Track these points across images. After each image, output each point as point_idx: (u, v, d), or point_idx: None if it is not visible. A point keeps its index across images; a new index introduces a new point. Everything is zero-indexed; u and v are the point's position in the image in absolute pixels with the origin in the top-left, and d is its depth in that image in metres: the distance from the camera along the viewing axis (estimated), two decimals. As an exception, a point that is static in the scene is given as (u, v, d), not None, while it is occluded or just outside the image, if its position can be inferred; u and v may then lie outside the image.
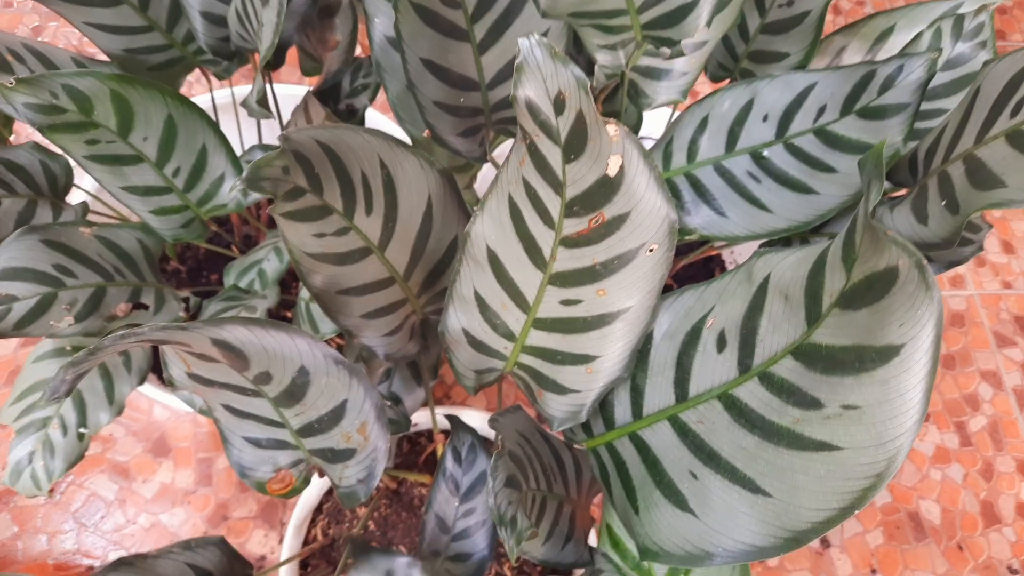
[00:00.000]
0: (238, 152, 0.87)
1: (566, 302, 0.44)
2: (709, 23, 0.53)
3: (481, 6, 0.53)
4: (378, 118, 0.84)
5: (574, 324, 0.44)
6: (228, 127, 0.84)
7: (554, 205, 0.40)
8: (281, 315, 0.77)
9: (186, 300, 0.64)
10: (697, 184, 0.63)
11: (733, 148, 0.61)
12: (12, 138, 0.65)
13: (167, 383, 0.42)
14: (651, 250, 0.40)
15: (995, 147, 0.49)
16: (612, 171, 0.37)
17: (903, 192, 0.59)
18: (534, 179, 0.39)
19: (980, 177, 0.48)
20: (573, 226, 0.40)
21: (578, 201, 0.39)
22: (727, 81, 0.69)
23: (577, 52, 0.68)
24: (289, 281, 0.83)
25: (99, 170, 0.53)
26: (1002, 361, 1.10)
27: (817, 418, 0.36)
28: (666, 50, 0.56)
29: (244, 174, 0.32)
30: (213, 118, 0.78)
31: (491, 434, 0.73)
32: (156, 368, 0.75)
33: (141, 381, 0.66)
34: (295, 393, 0.43)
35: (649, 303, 0.43)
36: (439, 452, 0.62)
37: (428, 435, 0.78)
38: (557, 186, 0.39)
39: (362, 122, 0.66)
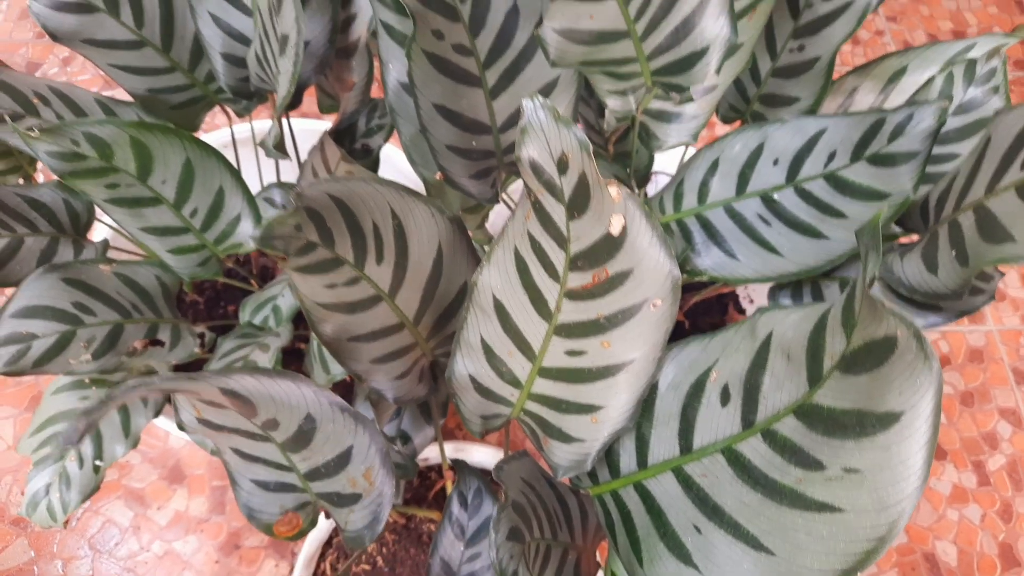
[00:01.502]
0: (257, 187, 0.89)
1: (571, 352, 0.44)
2: (719, 69, 0.53)
3: (493, 53, 0.54)
4: (392, 153, 0.85)
5: (579, 374, 0.45)
6: (247, 160, 0.86)
7: (559, 259, 0.40)
8: (296, 348, 0.78)
9: (201, 336, 0.65)
10: (708, 225, 0.64)
11: (744, 191, 0.62)
12: (38, 176, 0.66)
13: (179, 427, 0.43)
14: (655, 305, 0.41)
15: (1005, 199, 0.48)
16: (615, 230, 0.37)
17: (915, 238, 0.59)
18: (539, 234, 0.40)
19: (989, 228, 0.48)
20: (577, 280, 0.41)
21: (582, 256, 0.39)
22: (738, 122, 0.69)
23: (588, 95, 0.69)
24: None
25: (119, 212, 0.55)
26: (1022, 398, 1.08)
27: (819, 479, 0.36)
28: (676, 95, 0.57)
29: (258, 233, 0.33)
30: (232, 152, 0.79)
31: (501, 470, 0.73)
32: (170, 397, 0.76)
33: (157, 414, 0.67)
34: (302, 439, 0.43)
35: (654, 355, 0.43)
36: (448, 489, 0.63)
37: (438, 469, 0.79)
38: (562, 241, 0.39)
39: (377, 161, 0.67)
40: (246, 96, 0.68)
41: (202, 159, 0.56)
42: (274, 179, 0.86)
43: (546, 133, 0.35)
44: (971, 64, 0.59)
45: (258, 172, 0.81)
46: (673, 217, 0.66)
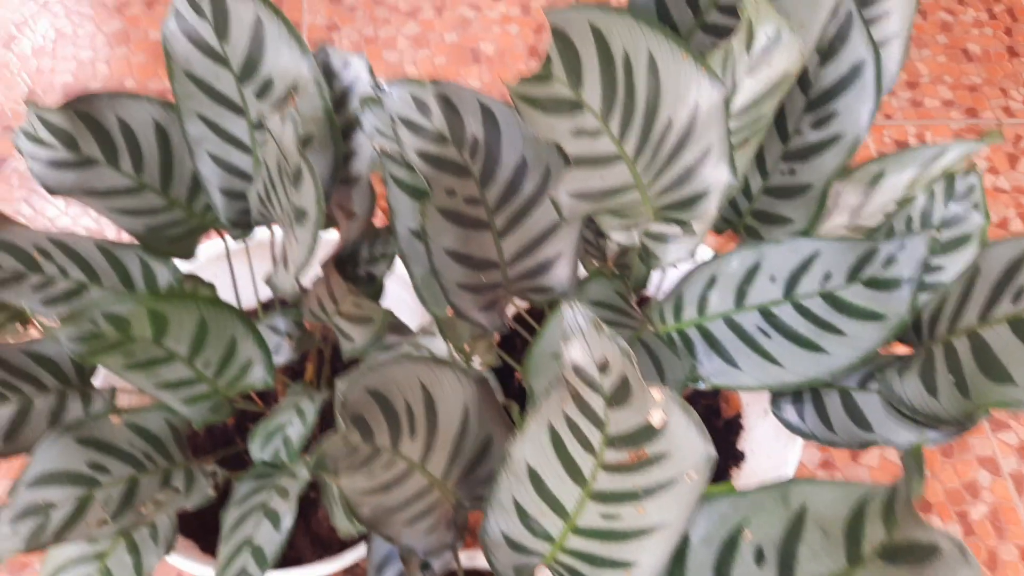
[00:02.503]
0: (251, 296, 0.88)
1: (606, 516, 0.45)
2: (720, 208, 0.56)
3: (501, 201, 0.55)
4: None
5: (613, 535, 0.46)
6: (240, 268, 0.85)
7: (595, 437, 0.42)
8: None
9: (213, 474, 0.65)
10: (709, 335, 0.66)
11: (742, 304, 0.64)
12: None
13: None
14: (690, 476, 0.42)
15: (999, 331, 0.51)
16: (656, 423, 0.39)
17: (909, 350, 0.61)
18: (575, 415, 0.41)
19: (987, 362, 0.50)
20: (614, 456, 0.42)
21: (620, 439, 0.41)
22: (729, 232, 0.71)
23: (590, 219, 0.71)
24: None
25: (133, 375, 0.55)
26: (998, 445, 1.12)
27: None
28: (678, 228, 0.59)
29: (312, 462, 0.33)
30: (226, 261, 0.79)
31: None
32: (183, 529, 0.75)
33: (168, 549, 0.67)
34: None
35: (687, 516, 0.45)
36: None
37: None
38: (599, 424, 0.41)
39: (381, 288, 0.68)
40: (245, 226, 0.68)
41: (215, 315, 0.56)
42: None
43: (587, 339, 0.36)
44: (951, 180, 0.62)
45: (252, 281, 0.81)
46: (674, 327, 0.67)
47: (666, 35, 0.44)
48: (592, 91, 0.43)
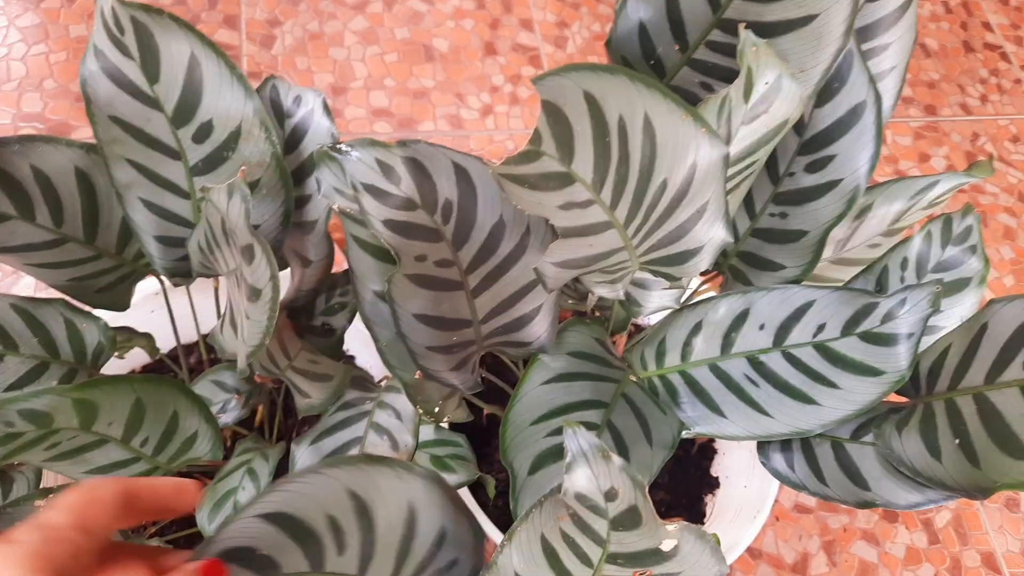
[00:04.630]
0: (192, 332, 0.81)
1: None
2: (712, 264, 0.51)
3: (475, 262, 0.50)
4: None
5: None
6: (178, 303, 0.77)
7: (594, 553, 0.37)
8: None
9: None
10: (693, 383, 0.62)
11: (728, 352, 0.60)
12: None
13: None
14: (699, 592, 0.38)
15: (1010, 397, 0.48)
16: (666, 549, 0.34)
17: (904, 401, 0.58)
18: (573, 532, 0.37)
19: (999, 431, 0.48)
20: (616, 571, 0.38)
21: (623, 558, 0.36)
22: (714, 273, 0.67)
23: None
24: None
25: (59, 465, 0.48)
26: (961, 452, 1.12)
27: None
28: (665, 282, 0.54)
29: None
30: (163, 298, 0.71)
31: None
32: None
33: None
34: None
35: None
36: None
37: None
38: (600, 542, 0.36)
39: (340, 342, 0.62)
40: (184, 274, 0.61)
41: (154, 392, 0.50)
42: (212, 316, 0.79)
43: (593, 468, 0.32)
44: (948, 222, 0.59)
45: (193, 316, 0.74)
46: (656, 372, 0.63)
47: (664, 94, 0.39)
48: (584, 162, 0.38)
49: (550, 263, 0.44)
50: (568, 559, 0.39)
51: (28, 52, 1.13)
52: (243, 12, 1.22)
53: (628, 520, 0.34)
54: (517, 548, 0.40)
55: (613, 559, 0.37)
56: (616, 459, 0.31)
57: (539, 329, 0.56)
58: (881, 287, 0.62)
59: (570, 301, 0.67)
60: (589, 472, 0.32)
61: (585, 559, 0.38)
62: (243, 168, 0.47)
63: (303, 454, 0.58)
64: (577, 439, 0.31)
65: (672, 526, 0.33)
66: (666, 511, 0.85)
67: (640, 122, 0.39)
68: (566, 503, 0.34)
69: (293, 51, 1.20)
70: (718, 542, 0.37)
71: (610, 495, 0.32)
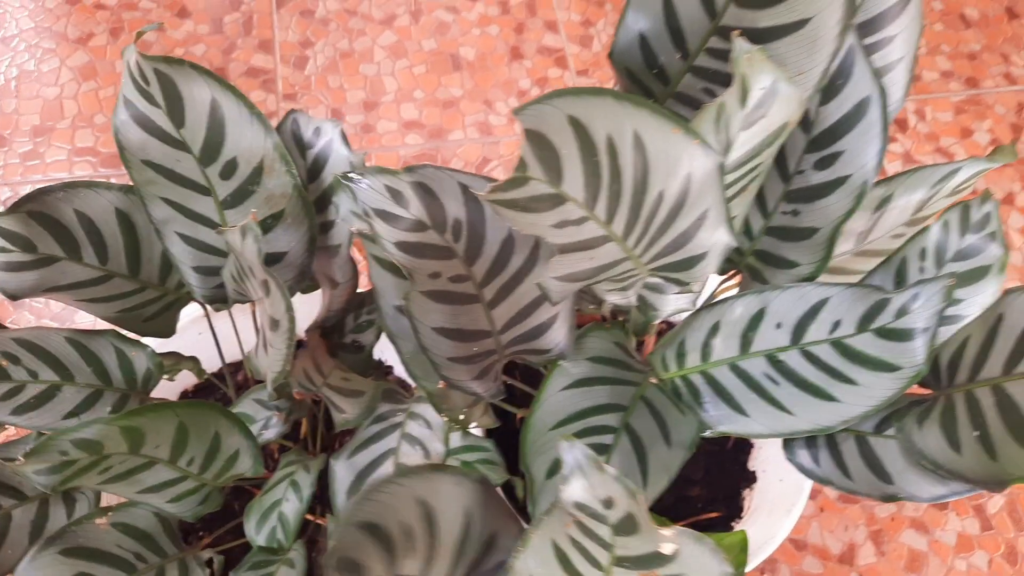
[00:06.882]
0: (235, 350, 0.85)
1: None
2: (719, 269, 0.52)
3: (489, 276, 0.52)
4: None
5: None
6: (222, 325, 0.82)
7: (602, 556, 0.39)
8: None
9: (209, 562, 0.63)
10: (714, 382, 0.63)
11: (747, 351, 0.61)
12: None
13: None
14: (706, 592, 0.39)
15: (1025, 388, 0.48)
16: (667, 551, 0.36)
17: (927, 393, 0.58)
18: (580, 537, 0.39)
19: (1015, 422, 0.48)
20: (624, 574, 0.39)
21: (630, 560, 0.38)
22: (732, 272, 0.68)
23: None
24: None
25: (114, 487, 0.52)
26: (1014, 435, 1.10)
27: None
28: (676, 287, 0.55)
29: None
30: (207, 321, 0.75)
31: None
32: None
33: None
34: None
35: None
36: None
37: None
38: (606, 546, 0.38)
39: (370, 357, 0.65)
40: (222, 301, 0.65)
41: (195, 415, 0.53)
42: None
43: (588, 479, 0.34)
44: (966, 210, 0.58)
45: (236, 337, 0.78)
46: (678, 374, 0.64)
47: (652, 110, 0.41)
48: (574, 183, 0.40)
49: (552, 278, 0.46)
50: (579, 562, 0.41)
51: (80, 90, 1.20)
52: (276, 36, 1.26)
53: (628, 526, 0.35)
54: (531, 553, 0.42)
55: (620, 562, 0.39)
56: (609, 469, 0.33)
57: (557, 336, 0.58)
58: (901, 278, 0.61)
59: (591, 307, 0.68)
60: (584, 483, 0.34)
61: (595, 562, 0.40)
62: (254, 212, 0.50)
63: (341, 468, 0.61)
64: (572, 451, 0.33)
65: (668, 531, 0.34)
66: (704, 506, 0.86)
67: (629, 139, 0.41)
68: (569, 512, 0.36)
69: (325, 70, 1.24)
70: (745, 540, 0.38)
71: (608, 503, 0.34)
